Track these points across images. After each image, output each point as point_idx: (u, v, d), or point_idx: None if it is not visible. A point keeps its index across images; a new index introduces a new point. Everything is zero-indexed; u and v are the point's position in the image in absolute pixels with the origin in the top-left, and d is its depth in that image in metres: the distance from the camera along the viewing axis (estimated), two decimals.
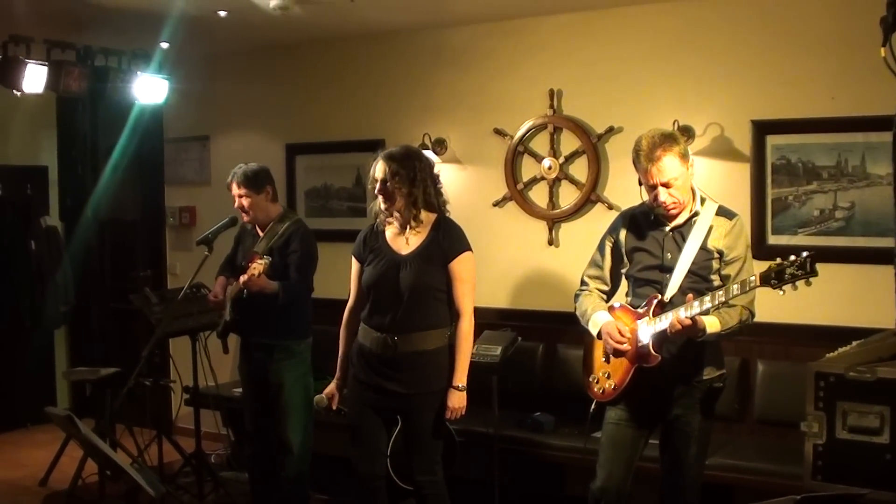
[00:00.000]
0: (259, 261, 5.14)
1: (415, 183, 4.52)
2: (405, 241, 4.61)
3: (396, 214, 4.59)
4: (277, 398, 5.44)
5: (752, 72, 5.66)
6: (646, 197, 4.18)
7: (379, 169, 4.55)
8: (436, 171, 4.74)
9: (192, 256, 7.21)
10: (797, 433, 4.48)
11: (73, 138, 8.28)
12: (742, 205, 5.41)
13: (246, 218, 5.52)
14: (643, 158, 4.02)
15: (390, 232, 4.66)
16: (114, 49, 6.94)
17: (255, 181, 5.46)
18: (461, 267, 4.58)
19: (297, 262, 5.40)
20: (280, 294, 5.28)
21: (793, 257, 3.67)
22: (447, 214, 4.69)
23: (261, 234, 5.53)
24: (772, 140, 5.61)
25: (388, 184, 4.52)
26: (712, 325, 3.98)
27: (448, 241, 4.58)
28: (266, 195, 5.50)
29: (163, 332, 5.70)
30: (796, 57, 5.53)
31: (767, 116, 5.61)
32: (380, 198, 4.57)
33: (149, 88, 6.99)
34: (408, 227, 4.59)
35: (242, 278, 5.16)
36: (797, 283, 3.68)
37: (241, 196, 5.45)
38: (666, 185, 4.02)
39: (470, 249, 4.63)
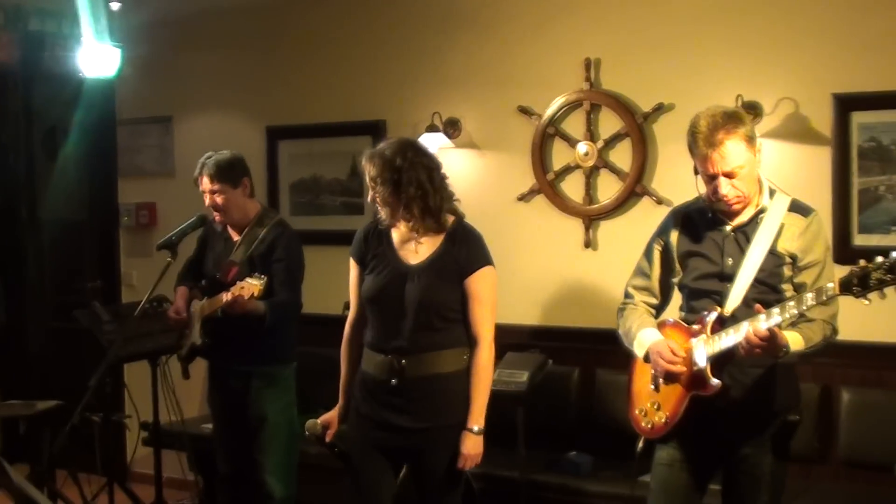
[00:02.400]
0: (252, 281, 5.12)
1: (400, 186, 4.51)
2: (414, 249, 4.63)
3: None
4: (257, 435, 5.48)
5: (832, 35, 5.67)
6: (703, 189, 4.19)
7: (365, 171, 4.59)
8: (432, 163, 4.63)
9: (151, 264, 7.23)
10: (891, 478, 4.50)
11: (3, 120, 8.30)
12: (821, 198, 5.43)
13: (219, 218, 5.54)
14: (701, 143, 4.03)
15: (397, 236, 4.68)
16: (52, 10, 6.93)
17: (231, 173, 5.48)
18: (480, 285, 4.60)
19: (284, 274, 5.43)
20: (267, 317, 5.30)
21: (880, 259, 3.65)
22: (463, 217, 4.71)
23: (234, 237, 5.56)
24: (858, 118, 5.62)
25: (370, 192, 4.58)
26: (795, 341, 3.97)
27: (465, 252, 4.60)
28: (243, 190, 5.53)
29: (115, 355, 5.74)
30: (887, 16, 5.54)
31: (852, 89, 5.62)
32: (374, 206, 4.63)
33: (97, 58, 7.01)
34: (416, 232, 4.61)
35: (226, 297, 5.18)
36: (885, 290, 3.66)
37: (213, 192, 5.46)
38: (728, 175, 4.03)
39: (491, 264, 4.65)
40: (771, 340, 3.87)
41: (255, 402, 5.48)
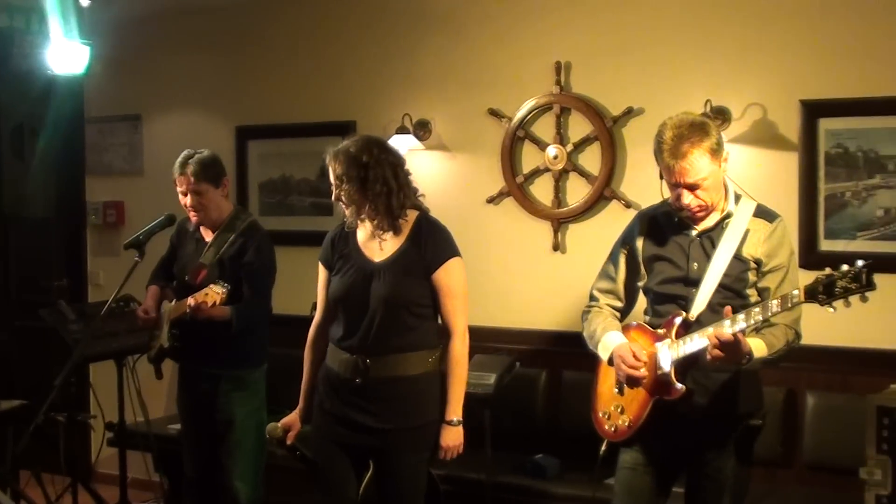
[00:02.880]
0: (216, 288, 5.11)
1: (366, 184, 4.51)
2: (378, 246, 4.64)
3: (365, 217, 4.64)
4: (225, 438, 5.48)
5: (801, 42, 5.70)
6: (668, 193, 4.20)
7: (330, 170, 4.58)
8: (396, 160, 4.64)
9: (118, 263, 7.23)
10: (856, 481, 4.53)
11: None
12: (788, 203, 5.48)
13: (195, 218, 5.53)
14: (666, 153, 4.04)
15: (362, 234, 4.69)
16: (20, 6, 6.89)
17: (214, 172, 5.49)
18: (449, 278, 4.62)
19: (254, 278, 5.44)
20: (234, 322, 5.31)
21: (845, 267, 3.68)
22: (428, 211, 4.73)
23: (206, 237, 5.56)
24: (825, 124, 5.65)
25: (336, 191, 4.58)
26: (758, 347, 3.98)
27: (431, 245, 4.61)
28: (223, 189, 5.54)
29: (81, 355, 5.71)
30: (857, 24, 5.58)
31: (820, 95, 5.65)
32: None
33: (65, 56, 6.99)
34: (380, 230, 4.62)
35: (190, 301, 5.17)
36: (850, 298, 3.69)
37: (196, 192, 5.44)
38: (691, 187, 4.05)
39: (458, 255, 4.66)
40: (734, 346, 3.88)
41: (223, 405, 5.47)
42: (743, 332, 3.90)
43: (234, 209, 5.66)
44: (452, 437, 4.61)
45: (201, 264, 5.43)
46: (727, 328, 3.89)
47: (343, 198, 4.55)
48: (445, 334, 4.64)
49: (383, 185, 4.52)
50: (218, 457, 5.51)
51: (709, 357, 3.96)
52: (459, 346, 4.63)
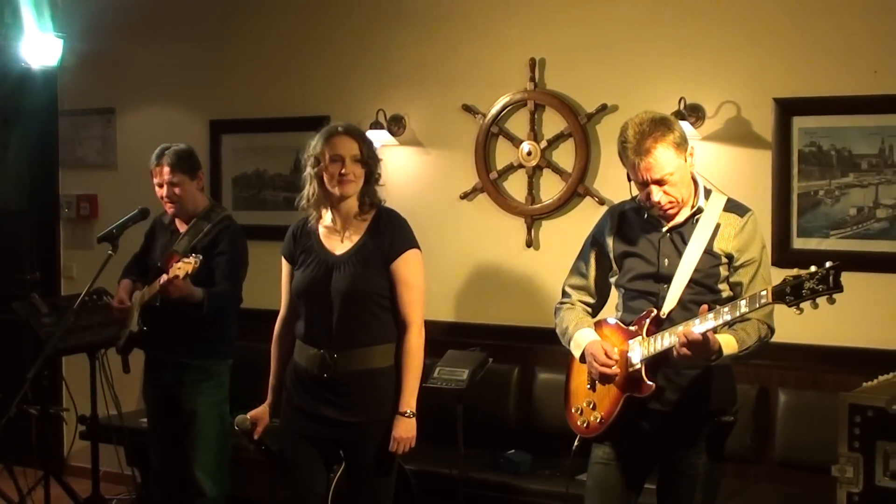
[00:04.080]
0: (185, 260, 5.12)
1: (371, 174, 4.64)
2: (339, 239, 4.67)
3: (340, 206, 4.63)
4: (188, 429, 5.49)
5: (775, 40, 5.72)
6: (637, 192, 4.23)
7: (345, 147, 4.59)
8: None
9: (92, 256, 7.21)
10: (827, 479, 4.55)
11: None
12: (762, 201, 5.50)
13: (171, 209, 5.56)
14: (630, 152, 4.05)
15: (323, 229, 4.72)
16: None
17: (191, 163, 5.54)
18: (406, 268, 4.64)
19: (226, 266, 5.46)
20: (205, 303, 5.30)
21: (813, 268, 3.69)
22: (383, 202, 4.75)
23: (181, 228, 5.57)
24: (799, 122, 5.67)
25: (362, 163, 4.59)
26: (728, 344, 3.99)
27: (389, 236, 4.64)
28: (198, 182, 5.59)
29: (54, 348, 5.70)
30: (831, 22, 5.60)
31: (794, 94, 5.67)
32: (339, 183, 4.60)
33: (39, 48, 6.97)
34: (350, 218, 4.64)
35: (162, 278, 5.17)
36: (818, 299, 3.71)
37: (172, 183, 5.47)
38: (659, 183, 4.06)
39: (416, 247, 4.70)
40: (702, 344, 3.90)
41: (187, 395, 5.49)
42: (714, 330, 3.92)
43: (209, 203, 5.70)
44: (405, 429, 4.61)
45: (174, 251, 5.44)
46: (696, 326, 3.92)
47: (353, 176, 4.58)
48: (402, 326, 4.65)
49: (377, 177, 4.67)
50: (182, 448, 5.52)
51: (675, 354, 3.98)
52: (415, 338, 4.65)
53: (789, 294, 3.74)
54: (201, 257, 5.15)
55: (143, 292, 5.48)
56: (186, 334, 5.42)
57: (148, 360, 5.68)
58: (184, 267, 5.07)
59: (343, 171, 4.57)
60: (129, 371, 5.63)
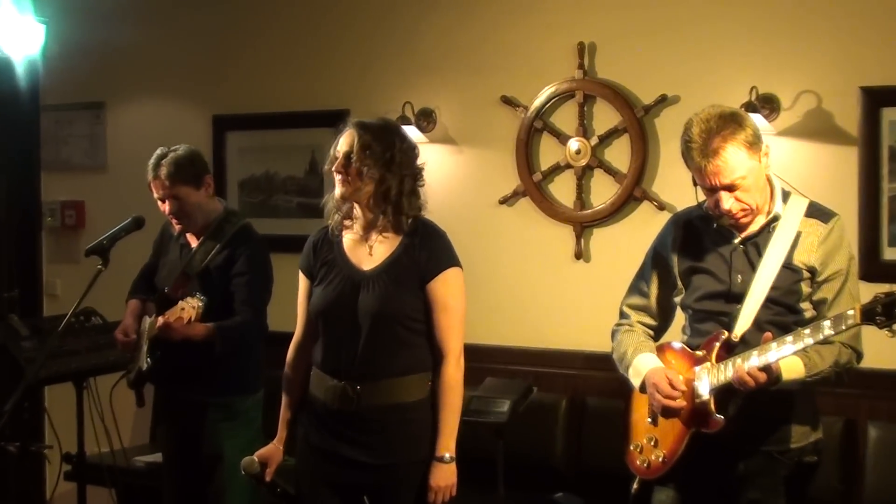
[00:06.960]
0: (191, 302, 5.09)
1: (391, 167, 4.50)
2: (368, 252, 4.60)
3: (358, 212, 4.59)
4: (212, 475, 5.45)
5: (862, 22, 5.71)
6: (703, 197, 4.18)
7: (344, 140, 4.54)
8: (420, 163, 4.63)
9: (78, 271, 7.26)
10: None
11: None
12: (847, 205, 5.46)
13: (179, 226, 5.50)
14: (696, 153, 4.00)
15: (349, 239, 4.65)
16: None
17: (193, 172, 5.44)
18: (445, 289, 4.57)
19: (245, 290, 5.39)
20: (217, 343, 5.26)
21: None
22: (425, 214, 4.67)
23: (193, 242, 5.53)
24: (890, 114, 5.67)
25: (354, 160, 4.52)
26: (792, 369, 3.97)
27: (427, 252, 4.57)
28: (206, 189, 5.49)
29: (35, 376, 5.71)
30: None
31: (883, 83, 5.66)
32: (337, 182, 4.57)
33: (18, 35, 6.99)
34: (373, 230, 4.60)
35: (160, 320, 5.16)
36: None
37: (175, 197, 5.40)
38: (729, 188, 4.02)
39: (458, 265, 4.62)
40: (763, 380, 3.89)
41: (210, 437, 5.42)
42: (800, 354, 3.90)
43: (223, 210, 5.59)
44: (445, 476, 4.53)
45: (184, 275, 5.39)
46: (772, 353, 3.88)
47: (361, 171, 4.46)
48: (437, 354, 4.57)
49: (404, 174, 4.51)
50: (205, 497, 5.49)
51: (736, 386, 3.96)
52: (453, 370, 4.56)
53: (880, 314, 3.68)
54: (206, 300, 5.12)
55: (153, 321, 5.41)
56: (204, 369, 5.35)
57: (161, 396, 5.65)
58: (188, 311, 5.07)
59: (336, 168, 4.53)
60: (143, 405, 5.61)
